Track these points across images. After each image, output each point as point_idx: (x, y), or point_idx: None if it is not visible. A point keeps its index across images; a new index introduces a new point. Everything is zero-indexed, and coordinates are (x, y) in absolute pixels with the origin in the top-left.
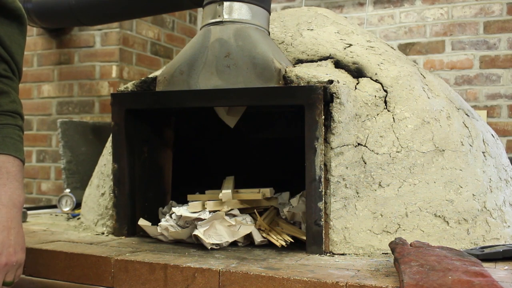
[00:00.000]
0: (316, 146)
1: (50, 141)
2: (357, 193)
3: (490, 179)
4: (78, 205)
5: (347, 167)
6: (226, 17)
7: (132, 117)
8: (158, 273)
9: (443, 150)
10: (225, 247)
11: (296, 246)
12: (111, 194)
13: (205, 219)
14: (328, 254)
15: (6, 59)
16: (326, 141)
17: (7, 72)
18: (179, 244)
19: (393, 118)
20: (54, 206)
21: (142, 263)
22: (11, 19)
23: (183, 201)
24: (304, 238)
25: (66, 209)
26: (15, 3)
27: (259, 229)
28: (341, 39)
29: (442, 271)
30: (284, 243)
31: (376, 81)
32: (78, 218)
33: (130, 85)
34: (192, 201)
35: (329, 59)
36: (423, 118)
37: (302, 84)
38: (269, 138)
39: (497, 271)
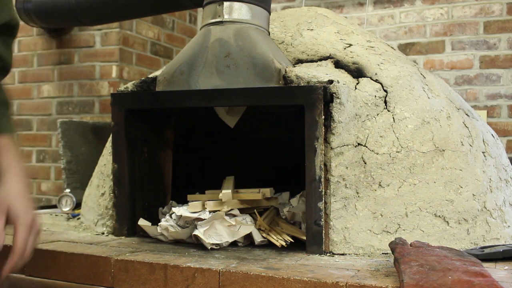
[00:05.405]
0: (316, 146)
1: (50, 141)
2: (357, 193)
3: (490, 179)
4: (78, 205)
5: (347, 167)
6: (226, 17)
7: (132, 117)
8: (158, 273)
9: (443, 150)
10: (225, 247)
11: (296, 246)
12: (111, 194)
13: (205, 219)
14: (328, 254)
15: None
16: (326, 141)
17: None
18: (179, 244)
19: (393, 118)
20: (54, 206)
21: (142, 263)
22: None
23: (183, 201)
24: (304, 238)
25: (66, 209)
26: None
27: (259, 229)
28: (341, 39)
29: (442, 271)
30: (284, 243)
31: (376, 81)
32: (78, 218)
33: (130, 85)
34: (192, 201)
35: (329, 59)
36: (423, 118)
37: (302, 84)
38: (269, 138)
39: (497, 271)
